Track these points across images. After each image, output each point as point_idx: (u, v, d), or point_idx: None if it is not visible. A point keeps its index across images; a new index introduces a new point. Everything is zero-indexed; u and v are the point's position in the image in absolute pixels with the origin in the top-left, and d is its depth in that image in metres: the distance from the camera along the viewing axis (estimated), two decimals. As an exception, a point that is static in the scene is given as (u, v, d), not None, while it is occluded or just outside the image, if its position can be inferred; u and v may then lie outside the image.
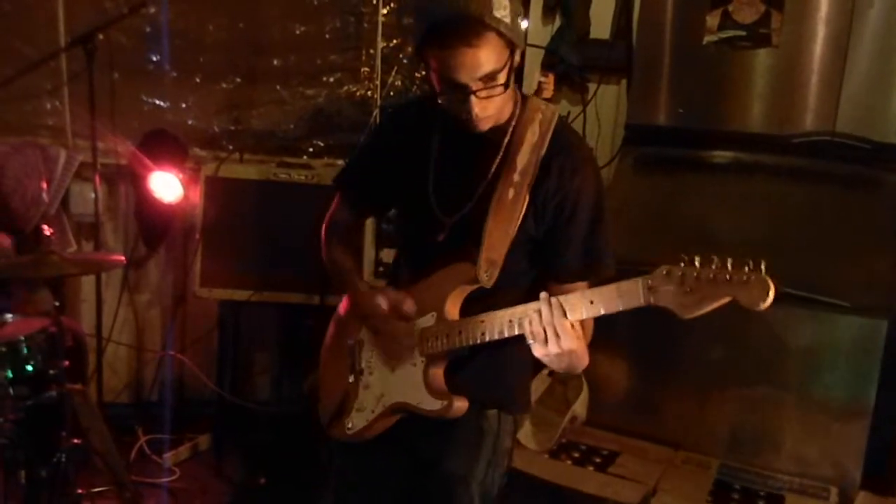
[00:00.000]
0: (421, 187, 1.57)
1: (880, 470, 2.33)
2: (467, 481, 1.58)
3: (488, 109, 1.45)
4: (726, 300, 1.20)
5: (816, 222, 2.51)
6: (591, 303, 1.34)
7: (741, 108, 2.70)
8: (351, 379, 1.67)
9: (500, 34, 1.36)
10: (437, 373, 1.55)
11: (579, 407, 2.54)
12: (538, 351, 1.40)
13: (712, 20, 2.66)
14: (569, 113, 3.33)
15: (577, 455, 2.48)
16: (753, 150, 2.67)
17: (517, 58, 1.45)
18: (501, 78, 1.41)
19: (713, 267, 1.21)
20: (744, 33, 2.61)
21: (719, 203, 2.66)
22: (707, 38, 2.67)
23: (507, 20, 1.37)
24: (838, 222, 2.49)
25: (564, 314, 1.36)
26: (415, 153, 1.59)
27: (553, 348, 1.37)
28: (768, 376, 2.40)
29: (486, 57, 1.37)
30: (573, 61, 3.29)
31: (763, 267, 1.18)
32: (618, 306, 1.31)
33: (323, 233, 1.76)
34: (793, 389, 2.39)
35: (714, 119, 2.75)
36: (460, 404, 1.52)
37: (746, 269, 1.18)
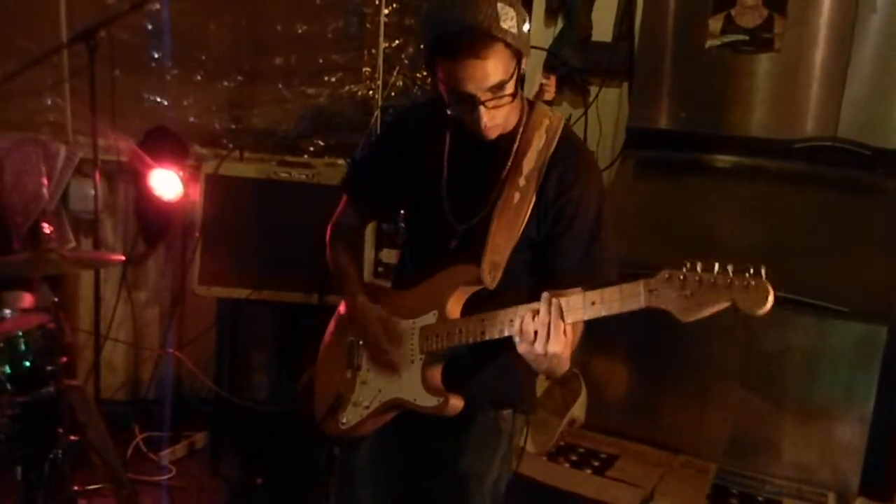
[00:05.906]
0: (434, 194, 1.58)
1: (878, 476, 2.33)
2: (480, 480, 1.59)
3: (497, 118, 1.46)
4: (726, 305, 1.21)
5: (817, 227, 2.51)
6: (593, 304, 1.34)
7: (743, 113, 2.70)
8: (349, 374, 1.68)
9: (507, 45, 1.38)
10: (435, 371, 1.56)
11: (578, 410, 2.54)
12: (522, 348, 1.40)
13: (715, 24, 2.66)
14: (570, 115, 3.32)
15: (575, 458, 2.48)
16: (755, 155, 2.68)
17: (524, 65, 1.46)
18: (509, 88, 1.43)
19: (714, 272, 1.21)
20: (746, 37, 2.61)
21: (720, 207, 2.66)
22: (709, 42, 2.67)
23: (514, 30, 1.38)
24: (839, 227, 2.49)
25: (562, 317, 1.36)
26: (425, 158, 1.60)
27: (539, 348, 1.37)
28: (767, 381, 2.40)
29: (494, 68, 1.39)
30: (575, 63, 3.28)
31: (763, 272, 1.18)
32: (619, 308, 1.31)
33: (328, 234, 1.76)
34: (792, 394, 2.39)
35: (715, 123, 2.75)
36: (455, 402, 1.52)
37: (747, 274, 1.19)
